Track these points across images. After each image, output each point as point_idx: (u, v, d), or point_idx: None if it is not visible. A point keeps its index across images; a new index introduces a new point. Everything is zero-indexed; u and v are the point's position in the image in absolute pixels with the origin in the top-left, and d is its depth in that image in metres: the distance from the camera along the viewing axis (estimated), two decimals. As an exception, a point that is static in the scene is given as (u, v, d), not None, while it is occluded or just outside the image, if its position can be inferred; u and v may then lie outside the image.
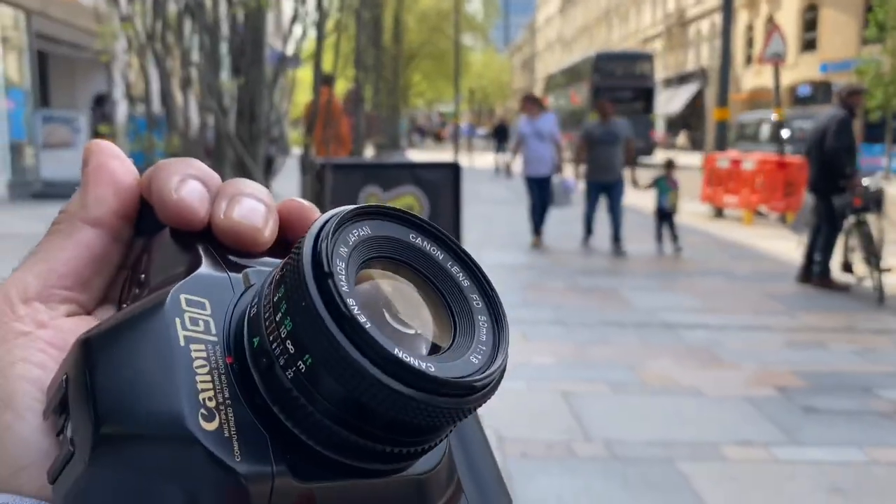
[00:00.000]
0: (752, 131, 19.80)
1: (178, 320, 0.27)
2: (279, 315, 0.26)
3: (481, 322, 0.28)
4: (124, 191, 0.32)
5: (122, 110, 11.26)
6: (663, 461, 3.15)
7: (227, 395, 0.26)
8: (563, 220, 9.63)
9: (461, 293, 0.29)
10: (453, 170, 3.28)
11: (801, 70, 28.81)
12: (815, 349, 4.88)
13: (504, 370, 0.28)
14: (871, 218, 6.35)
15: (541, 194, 8.53)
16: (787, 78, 25.58)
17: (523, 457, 3.17)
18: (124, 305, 0.32)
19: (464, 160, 21.42)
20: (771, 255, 8.34)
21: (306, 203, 0.33)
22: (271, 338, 0.26)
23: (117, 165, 0.33)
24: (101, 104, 12.87)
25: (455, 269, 0.29)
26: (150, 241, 0.32)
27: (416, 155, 24.96)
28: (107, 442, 0.25)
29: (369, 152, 12.45)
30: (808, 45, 29.23)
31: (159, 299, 0.27)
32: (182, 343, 0.26)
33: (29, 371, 0.29)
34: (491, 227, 10.14)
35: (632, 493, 2.88)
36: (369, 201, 3.27)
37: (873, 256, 6.26)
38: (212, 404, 0.26)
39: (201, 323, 0.27)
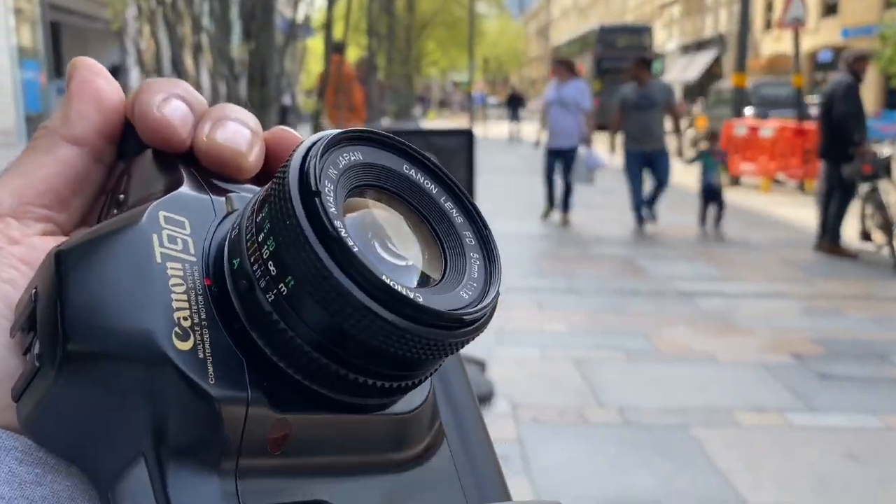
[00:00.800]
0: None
1: (155, 237, 0.26)
2: (261, 235, 0.25)
3: (473, 259, 0.28)
4: (108, 109, 0.31)
5: (134, 77, 11.25)
6: (677, 427, 3.16)
7: (203, 316, 0.25)
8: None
9: (454, 229, 0.28)
10: (467, 136, 3.25)
11: (821, 35, 28.30)
12: (832, 316, 4.85)
13: (494, 307, 0.27)
14: (883, 185, 6.28)
15: (565, 169, 7.76)
16: (808, 43, 25.13)
17: (535, 422, 3.18)
18: None
19: (478, 129, 21.33)
20: (788, 223, 8.27)
21: (295, 133, 0.32)
22: (252, 259, 0.25)
23: (102, 83, 0.31)
24: (116, 75, 12.87)
25: (449, 205, 0.28)
26: (131, 162, 0.31)
27: (429, 125, 24.84)
28: (75, 359, 0.24)
29: (385, 122, 12.42)
30: (829, 9, 28.66)
31: (136, 214, 0.26)
32: (158, 260, 0.25)
33: None
34: (505, 195, 10.11)
35: (645, 458, 2.89)
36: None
37: (887, 224, 6.21)
38: (186, 324, 0.25)
39: (179, 242, 0.26)
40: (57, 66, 14.15)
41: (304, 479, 0.26)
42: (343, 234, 0.24)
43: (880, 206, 6.25)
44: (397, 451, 0.29)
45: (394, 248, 0.27)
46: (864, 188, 6.37)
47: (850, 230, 6.66)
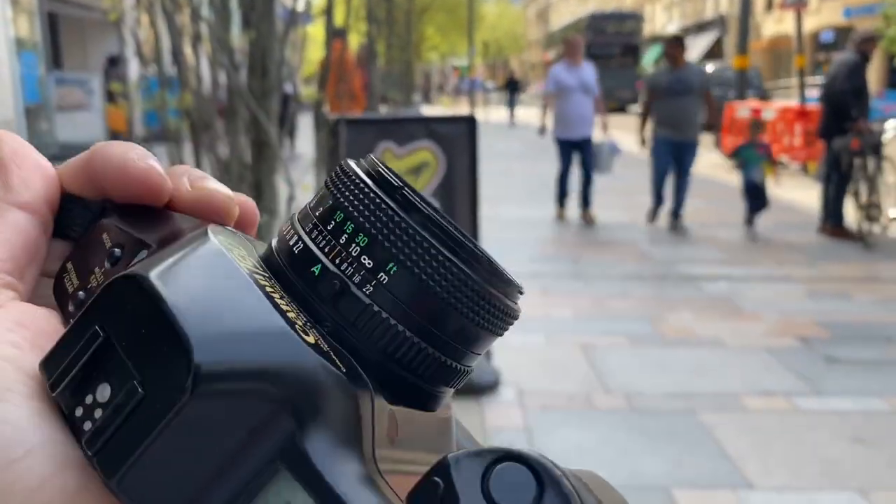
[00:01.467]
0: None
1: (227, 252, 0.24)
2: (343, 237, 0.26)
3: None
4: (50, 178, 0.29)
5: (133, 69, 11.21)
6: (684, 413, 3.15)
7: (306, 322, 0.24)
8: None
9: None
10: (469, 123, 3.22)
11: (823, 15, 28.10)
12: (837, 299, 4.83)
13: None
14: (871, 163, 6.26)
15: (585, 160, 7.11)
16: (810, 24, 24.96)
17: (544, 410, 3.18)
18: (71, 308, 0.28)
19: (479, 114, 21.23)
20: (792, 206, 8.24)
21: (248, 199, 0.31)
22: (338, 260, 0.25)
23: (36, 153, 0.29)
24: (115, 65, 12.82)
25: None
26: (86, 237, 0.29)
27: (432, 111, 24.80)
28: (207, 378, 0.21)
29: (384, 109, 12.38)
30: (831, -11, 28.44)
31: (199, 235, 0.25)
32: (244, 271, 0.24)
33: (4, 351, 0.24)
34: (508, 181, 10.08)
35: (653, 444, 2.89)
36: (385, 156, 3.23)
37: (872, 203, 6.23)
38: (300, 323, 0.24)
39: (248, 259, 0.26)
40: (55, 58, 14.09)
41: (406, 473, 0.26)
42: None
43: (872, 185, 6.25)
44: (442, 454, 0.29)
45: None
46: (857, 170, 6.35)
47: (852, 212, 6.64)
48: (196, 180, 0.29)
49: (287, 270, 0.26)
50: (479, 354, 0.28)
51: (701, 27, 39.31)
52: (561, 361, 3.73)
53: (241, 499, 0.22)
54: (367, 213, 0.25)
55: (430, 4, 29.57)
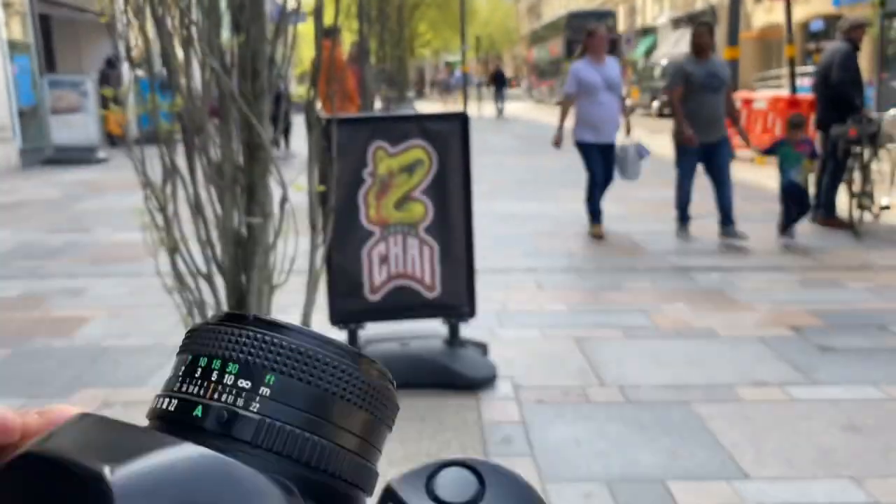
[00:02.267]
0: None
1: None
2: (214, 374, 0.27)
3: None
4: None
5: (124, 71, 11.19)
6: (678, 404, 3.18)
7: None
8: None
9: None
10: (461, 120, 3.23)
11: (813, 5, 28.10)
12: (830, 288, 4.86)
13: None
14: (867, 152, 6.29)
15: (608, 167, 6.46)
16: (799, 13, 24.96)
17: (539, 403, 3.20)
18: None
19: (472, 109, 21.18)
20: (785, 195, 8.25)
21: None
22: (216, 395, 0.27)
23: None
24: (113, 66, 12.78)
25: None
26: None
27: (426, 107, 24.78)
28: None
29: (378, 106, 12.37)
30: (821, -23, 28.45)
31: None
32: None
33: None
34: (500, 176, 10.09)
35: (648, 435, 2.91)
36: (378, 156, 3.24)
37: (867, 193, 6.26)
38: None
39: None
40: (49, 60, 14.05)
41: None
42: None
43: (867, 174, 6.28)
44: None
45: None
46: (852, 158, 6.37)
47: (845, 200, 6.66)
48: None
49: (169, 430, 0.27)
50: (378, 450, 0.29)
51: (692, 18, 39.27)
52: (556, 355, 3.76)
53: None
54: (227, 345, 0.27)
55: (422, 0, 29.50)
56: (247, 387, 0.26)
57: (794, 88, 10.74)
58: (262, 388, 0.26)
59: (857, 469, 2.68)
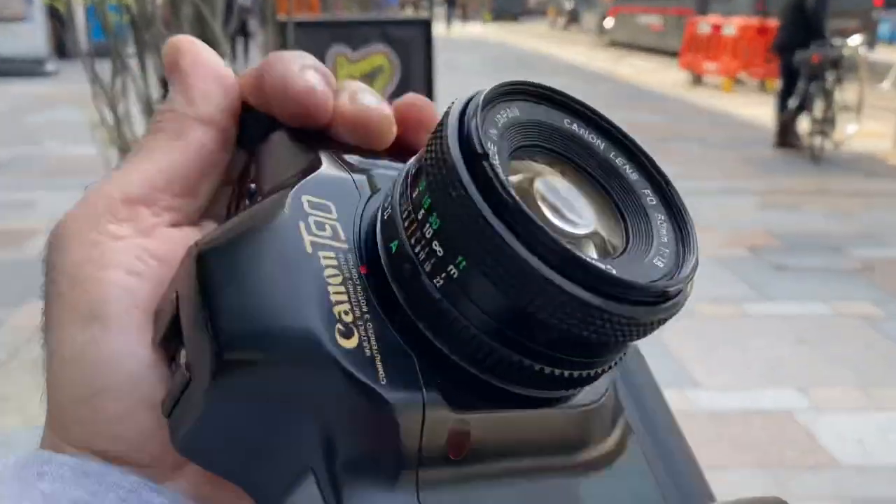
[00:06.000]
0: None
1: (302, 225, 0.23)
2: (421, 212, 0.21)
3: (659, 221, 0.24)
4: (230, 87, 0.28)
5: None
6: (636, 318, 3.22)
7: (364, 308, 0.22)
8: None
9: (630, 188, 0.25)
10: (424, 27, 3.14)
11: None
12: (789, 211, 4.93)
13: (694, 275, 0.24)
14: (831, 78, 6.31)
15: None
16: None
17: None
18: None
19: (438, 30, 20.80)
20: (749, 122, 8.30)
21: (424, 100, 0.29)
22: (413, 240, 0.22)
23: (216, 60, 0.29)
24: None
25: (620, 161, 0.25)
26: (258, 148, 0.28)
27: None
28: (230, 369, 0.21)
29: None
30: None
31: (278, 202, 0.23)
32: (309, 250, 0.23)
33: (123, 279, 0.25)
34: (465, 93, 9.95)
35: (604, 348, 2.96)
36: (338, 62, 3.14)
37: (829, 120, 6.32)
38: (349, 318, 0.22)
39: (328, 227, 0.23)
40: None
41: (488, 488, 0.23)
42: (521, 205, 0.20)
43: (829, 100, 6.31)
44: (582, 451, 0.25)
45: (568, 214, 0.23)
46: (817, 82, 6.39)
47: (807, 126, 6.72)
48: (355, 95, 0.28)
49: (377, 239, 0.23)
50: (598, 358, 0.23)
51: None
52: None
53: (273, 483, 0.22)
54: (441, 187, 0.21)
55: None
56: (439, 253, 0.21)
57: (765, 12, 10.66)
58: (450, 267, 0.21)
59: (803, 379, 2.76)
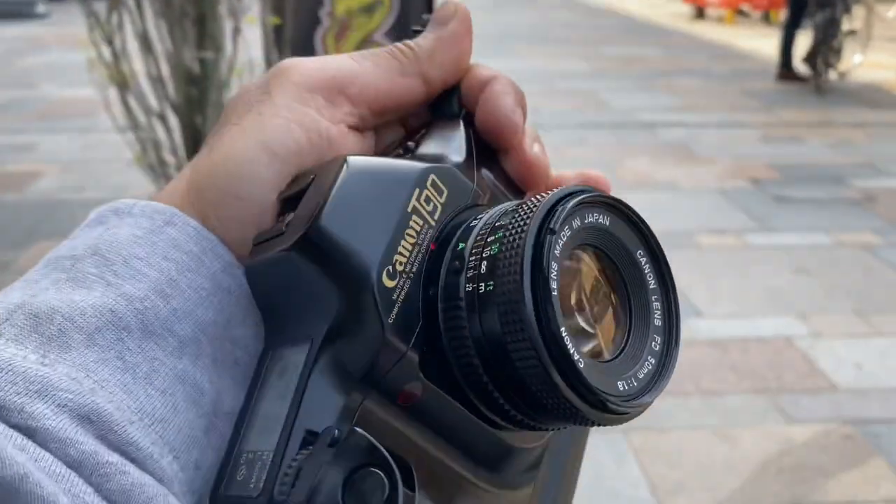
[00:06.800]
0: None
1: (417, 190, 0.29)
2: (491, 238, 0.27)
3: (649, 359, 0.29)
4: (462, 69, 0.34)
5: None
6: (637, 250, 3.24)
7: (413, 270, 0.28)
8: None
9: (649, 326, 0.29)
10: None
11: None
12: (790, 143, 4.91)
13: (645, 409, 0.28)
14: (839, 9, 6.19)
15: None
16: None
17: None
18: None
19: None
20: (751, 54, 8.19)
21: (491, 75, 0.35)
22: (473, 250, 0.28)
23: (468, 43, 0.34)
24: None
25: (656, 305, 0.30)
26: (438, 122, 0.34)
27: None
28: (310, 241, 0.27)
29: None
30: None
31: (416, 167, 0.30)
32: (409, 210, 0.29)
33: (302, 138, 0.30)
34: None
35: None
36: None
37: (834, 50, 6.22)
38: (399, 268, 0.28)
39: (432, 205, 0.30)
40: None
41: (406, 441, 0.28)
42: (553, 276, 0.26)
43: (835, 30, 6.20)
44: (489, 472, 0.31)
45: (589, 309, 0.29)
46: (821, 15, 6.27)
47: (812, 57, 6.63)
48: (535, 146, 0.34)
49: (455, 235, 0.29)
50: (541, 417, 0.28)
51: None
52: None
53: (282, 332, 0.29)
54: (513, 231, 0.27)
55: None
56: (482, 271, 0.27)
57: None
58: (481, 284, 0.27)
59: (803, 307, 2.79)
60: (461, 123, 0.34)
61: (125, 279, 0.27)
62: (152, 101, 2.25)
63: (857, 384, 2.37)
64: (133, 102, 2.22)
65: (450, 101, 0.34)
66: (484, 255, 0.27)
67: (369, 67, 0.32)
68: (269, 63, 2.31)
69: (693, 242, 3.35)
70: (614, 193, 0.30)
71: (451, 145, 0.33)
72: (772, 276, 3.04)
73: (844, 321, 2.71)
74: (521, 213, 0.27)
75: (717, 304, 2.81)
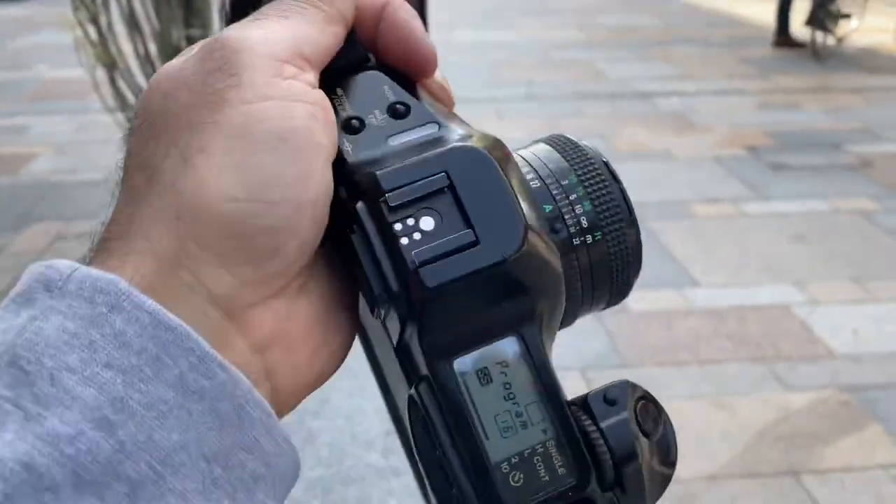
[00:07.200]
0: None
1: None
2: (574, 195, 0.30)
3: None
4: (375, 11, 0.29)
5: None
6: (634, 221, 3.23)
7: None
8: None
9: None
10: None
11: None
12: (787, 110, 4.88)
13: None
14: None
15: None
16: None
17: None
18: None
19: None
20: (748, 21, 8.11)
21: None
22: (563, 211, 0.30)
23: None
24: None
25: None
26: (361, 75, 0.30)
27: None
28: (528, 246, 0.26)
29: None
30: None
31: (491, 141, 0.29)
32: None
33: (301, 116, 0.25)
34: (460, 4, 9.69)
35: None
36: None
37: (832, 15, 6.16)
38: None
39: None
40: None
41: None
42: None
43: None
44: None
45: None
46: None
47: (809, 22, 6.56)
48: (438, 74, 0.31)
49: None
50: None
51: None
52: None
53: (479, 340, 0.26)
54: (595, 182, 0.31)
55: None
56: (584, 226, 0.30)
57: None
58: (587, 237, 0.30)
59: (800, 275, 2.79)
60: (377, 70, 0.30)
61: (50, 406, 0.20)
62: (141, 81, 2.23)
63: (854, 350, 2.38)
64: (122, 83, 2.20)
65: (353, 43, 0.30)
66: (577, 210, 0.30)
67: (304, 24, 0.27)
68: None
69: (689, 212, 3.34)
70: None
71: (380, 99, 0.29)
72: (769, 245, 3.03)
73: (841, 288, 2.71)
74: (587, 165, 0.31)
75: (713, 273, 2.81)
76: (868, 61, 6.11)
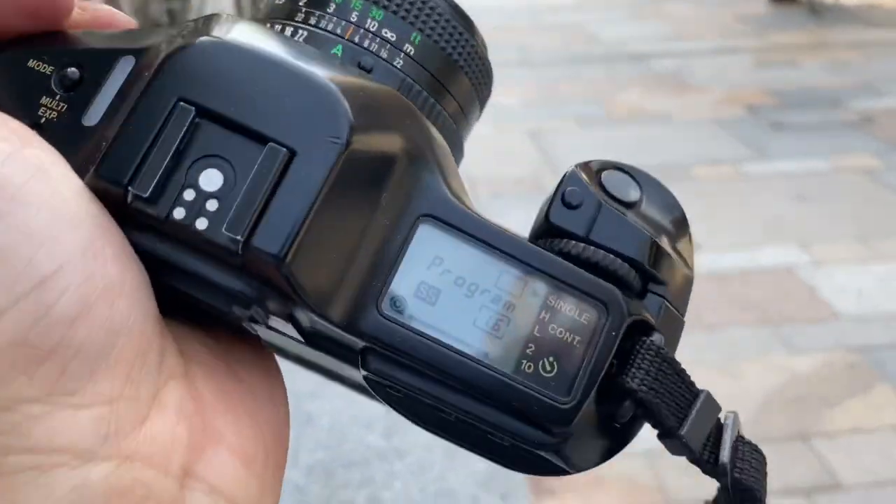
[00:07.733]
0: None
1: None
2: (354, 15, 0.25)
3: None
4: None
5: None
6: (633, 186, 3.18)
7: None
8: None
9: None
10: None
11: None
12: (786, 68, 4.79)
13: None
14: None
15: None
16: None
17: (495, 196, 3.18)
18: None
19: None
20: (743, -23, 7.97)
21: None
22: (357, 38, 0.25)
23: None
24: None
25: None
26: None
27: None
28: (357, 126, 0.21)
29: None
30: None
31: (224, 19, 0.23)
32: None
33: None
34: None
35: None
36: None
37: None
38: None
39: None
40: None
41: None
42: None
43: None
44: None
45: None
46: None
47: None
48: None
49: None
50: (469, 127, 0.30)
51: None
52: (510, 149, 3.70)
53: (388, 261, 0.20)
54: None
55: None
56: (391, 39, 0.25)
57: None
58: (406, 46, 0.25)
59: (803, 235, 2.74)
60: (8, 51, 0.21)
61: None
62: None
63: (861, 311, 2.34)
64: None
65: None
66: (372, 28, 0.26)
67: None
68: (239, 11, 2.22)
69: (689, 174, 3.28)
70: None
71: (72, 44, 0.22)
72: (771, 206, 2.98)
73: (845, 248, 2.67)
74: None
75: (716, 236, 2.76)
76: (867, 15, 6.01)
